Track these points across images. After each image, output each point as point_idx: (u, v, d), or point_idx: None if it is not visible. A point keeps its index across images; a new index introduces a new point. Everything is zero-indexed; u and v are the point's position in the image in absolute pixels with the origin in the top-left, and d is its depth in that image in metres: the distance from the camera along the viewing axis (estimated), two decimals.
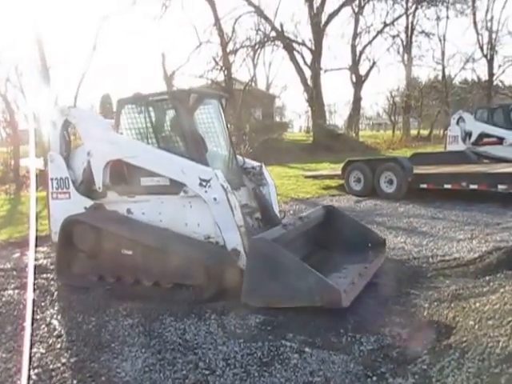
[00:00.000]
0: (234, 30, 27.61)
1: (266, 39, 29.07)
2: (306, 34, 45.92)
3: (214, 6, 27.09)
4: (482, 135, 15.19)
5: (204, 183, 5.12)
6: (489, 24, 36.12)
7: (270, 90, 43.42)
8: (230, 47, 27.67)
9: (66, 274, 5.81)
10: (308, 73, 28.16)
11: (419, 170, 11.59)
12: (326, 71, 29.60)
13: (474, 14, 34.94)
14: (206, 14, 28.81)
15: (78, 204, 5.98)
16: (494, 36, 36.30)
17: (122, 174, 5.79)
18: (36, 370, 3.66)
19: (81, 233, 5.65)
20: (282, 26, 27.76)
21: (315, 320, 4.27)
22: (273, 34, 28.30)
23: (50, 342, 4.19)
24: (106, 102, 38.59)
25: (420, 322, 4.09)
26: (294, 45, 28.38)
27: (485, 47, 36.36)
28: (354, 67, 30.70)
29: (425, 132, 37.14)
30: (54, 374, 3.59)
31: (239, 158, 6.34)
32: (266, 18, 27.84)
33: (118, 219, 5.74)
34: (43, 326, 4.58)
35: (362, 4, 29.40)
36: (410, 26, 33.90)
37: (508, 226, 7.86)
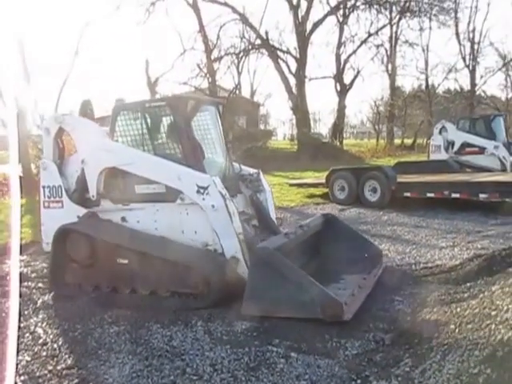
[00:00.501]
0: (218, 38, 27.78)
1: (250, 47, 29.25)
2: (290, 42, 46.46)
3: (199, 13, 27.23)
4: (464, 145, 15.49)
5: (202, 190, 5.10)
6: (471, 35, 37.08)
7: (254, 97, 43.55)
8: (214, 54, 27.81)
9: (59, 283, 5.70)
10: (293, 81, 28.40)
11: (403, 178, 11.77)
12: (310, 79, 29.87)
13: (457, 26, 35.79)
14: (191, 21, 28.99)
15: (71, 213, 5.88)
16: (475, 47, 37.21)
17: (116, 182, 5.74)
18: (22, 377, 3.66)
19: (76, 242, 5.57)
20: (266, 33, 27.97)
21: (301, 326, 4.32)
22: (258, 41, 28.48)
23: (36, 349, 4.18)
24: (87, 108, 38.42)
25: (403, 327, 4.18)
26: (279, 53, 28.59)
27: (467, 58, 37.24)
28: (339, 76, 31.02)
29: (408, 141, 37.64)
30: (40, 381, 3.60)
31: (235, 164, 6.31)
32: (251, 26, 28.00)
33: (113, 228, 5.68)
34: (27, 334, 4.55)
35: (347, 13, 29.77)
36: (393, 36, 34.53)
37: (489, 234, 8.04)
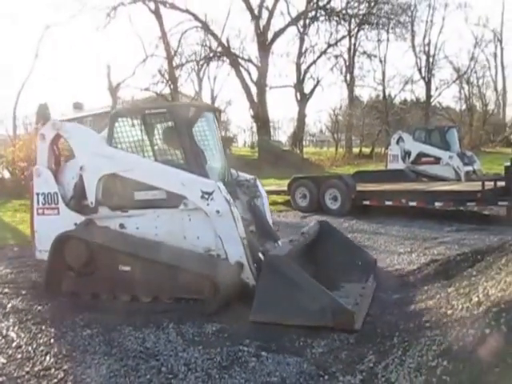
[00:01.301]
0: (179, 45, 27.85)
1: (212, 55, 29.46)
2: (252, 50, 46.91)
3: (161, 20, 27.22)
4: (420, 155, 16.18)
5: (206, 196, 5.12)
6: (426, 48, 38.71)
7: (215, 104, 43.65)
8: (176, 61, 27.85)
9: (55, 292, 5.59)
10: (254, 89, 28.74)
11: (362, 187, 12.17)
12: (271, 88, 30.31)
13: (413, 39, 37.32)
14: (153, 27, 28.93)
15: (67, 220, 5.79)
16: (431, 60, 38.86)
17: (115, 188, 5.69)
18: (0, 379, 3.70)
19: (77, 249, 5.49)
20: (228, 42, 28.24)
21: (269, 327, 4.51)
22: (219, 49, 28.69)
23: (10, 352, 4.21)
24: (44, 112, 37.42)
25: (366, 328, 4.44)
26: (241, 61, 28.90)
27: (423, 70, 38.86)
28: (299, 85, 31.60)
29: (366, 150, 38.69)
30: (19, 381, 3.66)
31: (232, 170, 6.35)
32: (213, 34, 28.20)
33: (116, 235, 5.62)
34: (0, 337, 4.57)
35: (307, 24, 30.41)
36: (352, 47, 35.49)
37: (444, 240, 8.50)
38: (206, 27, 28.00)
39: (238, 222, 5.11)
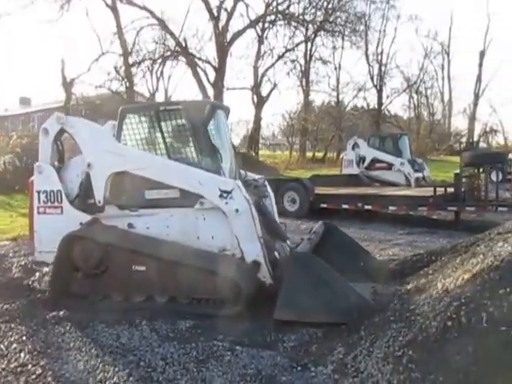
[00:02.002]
0: (135, 42, 27.49)
1: (169, 53, 29.22)
2: (210, 51, 46.80)
3: (118, 15, 26.76)
4: (374, 160, 16.85)
5: (225, 194, 5.07)
6: (379, 57, 40.06)
7: None
8: (133, 58, 27.49)
9: (63, 294, 5.41)
10: (211, 90, 28.75)
11: (319, 190, 12.54)
12: (228, 89, 30.42)
13: (366, 47, 38.49)
14: (110, 23, 28.38)
15: (72, 219, 5.56)
16: (383, 68, 40.28)
17: (123, 187, 5.53)
18: None
19: (87, 250, 5.31)
20: (185, 41, 28.09)
21: (240, 323, 4.68)
22: (177, 48, 28.48)
23: None
24: None
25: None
26: (198, 61, 28.84)
27: (375, 78, 40.09)
28: (256, 88, 31.92)
29: (319, 154, 39.53)
30: None
31: (241, 170, 6.29)
32: (171, 33, 27.99)
33: (127, 234, 5.47)
34: None
35: (266, 28, 30.78)
36: (308, 52, 36.23)
37: (398, 242, 8.97)
38: (163, 25, 27.72)
39: (256, 220, 5.10)
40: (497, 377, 3.00)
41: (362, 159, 17.07)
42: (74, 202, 5.68)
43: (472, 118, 47.71)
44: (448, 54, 47.25)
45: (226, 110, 6.28)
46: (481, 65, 46.98)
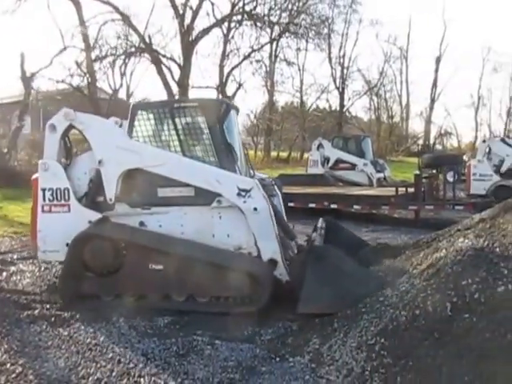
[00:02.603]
0: (97, 37, 26.96)
1: (134, 50, 28.82)
2: (175, 48, 46.50)
3: (80, 9, 26.14)
4: (338, 161, 17.29)
5: (243, 193, 5.08)
6: (341, 60, 40.85)
7: (130, 100, 42.42)
8: (95, 54, 26.95)
9: (72, 295, 5.31)
10: (176, 88, 28.56)
11: (286, 189, 12.73)
12: (193, 87, 30.28)
13: (329, 50, 39.18)
14: (72, 17, 27.66)
15: (80, 218, 5.42)
16: (345, 71, 41.11)
17: (135, 184, 5.44)
18: None
19: (102, 249, 5.24)
20: (150, 38, 27.76)
21: (217, 319, 4.83)
22: (141, 45, 28.12)
23: None
24: None
25: (305, 317, 4.84)
26: (162, 59, 28.58)
27: (337, 81, 40.86)
28: (222, 87, 31.91)
29: (284, 154, 39.97)
30: None
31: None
32: (135, 29, 27.62)
33: (144, 233, 5.39)
34: None
35: (232, 27, 30.84)
36: (273, 53, 36.57)
37: (364, 239, 9.19)
38: (127, 21, 27.27)
39: (273, 219, 5.14)
40: (461, 360, 3.26)
41: (326, 159, 17.46)
42: (81, 200, 5.58)
43: (428, 121, 49.52)
44: (406, 59, 48.73)
45: (237, 110, 6.28)
46: (437, 70, 48.76)
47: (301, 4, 30.19)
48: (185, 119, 5.57)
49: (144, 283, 5.16)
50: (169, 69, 28.25)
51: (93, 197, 5.58)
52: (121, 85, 32.92)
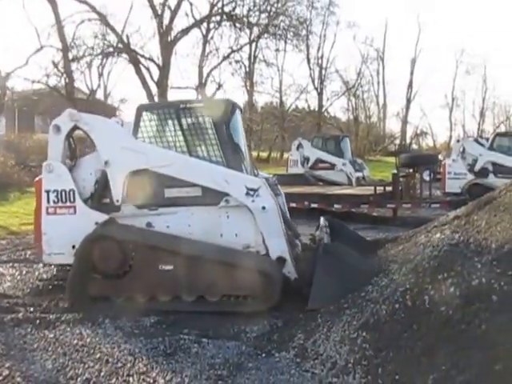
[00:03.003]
0: (74, 37, 26.72)
1: (112, 50, 28.61)
2: (153, 48, 46.12)
3: (56, 8, 25.77)
4: (318, 161, 17.48)
5: (251, 192, 5.13)
6: (319, 61, 41.25)
7: (107, 100, 42.04)
8: (72, 53, 26.67)
9: (81, 297, 5.28)
10: (155, 88, 28.42)
11: None
12: (172, 88, 30.19)
13: (308, 51, 39.54)
14: (48, 16, 27.29)
15: (86, 219, 5.38)
16: (323, 72, 41.51)
17: (141, 185, 5.40)
18: None
19: (112, 250, 5.21)
20: (128, 38, 27.58)
21: (203, 317, 4.92)
22: (119, 45, 27.93)
23: None
24: None
25: (291, 314, 4.95)
26: (141, 59, 28.42)
27: (316, 81, 41.25)
28: (201, 88, 31.90)
29: (264, 154, 40.14)
30: None
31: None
32: (113, 29, 27.41)
33: (154, 233, 5.39)
34: None
35: (211, 28, 30.86)
36: (252, 54, 36.73)
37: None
38: (104, 20, 27.06)
39: (281, 217, 5.23)
40: (438, 350, 3.42)
41: (306, 159, 17.63)
42: (87, 202, 5.56)
43: (404, 122, 50.37)
44: (383, 60, 49.37)
45: (240, 109, 6.31)
46: (412, 72, 49.70)
47: (279, 5, 30.44)
48: (191, 120, 5.61)
49: (154, 284, 5.19)
50: (147, 69, 28.10)
51: (99, 198, 5.56)
52: (98, 85, 32.70)
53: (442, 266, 4.04)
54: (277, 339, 4.40)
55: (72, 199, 5.48)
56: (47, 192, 5.51)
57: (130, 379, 3.77)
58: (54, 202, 5.50)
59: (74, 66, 27.30)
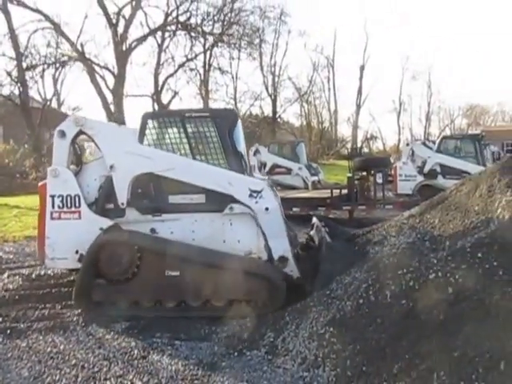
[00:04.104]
0: (28, 45, 26.07)
1: (67, 58, 28.09)
2: (109, 57, 45.23)
3: (9, 16, 25.13)
4: (275, 166, 17.83)
5: (255, 194, 5.27)
6: (272, 69, 41.94)
7: (61, 108, 41.15)
8: (27, 62, 25.99)
9: (86, 301, 5.32)
10: (110, 96, 28.06)
11: None
12: (127, 96, 29.88)
13: (261, 59, 40.10)
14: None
15: (91, 225, 5.40)
16: (276, 79, 42.22)
17: (145, 192, 5.52)
18: None
19: (122, 255, 5.26)
20: (82, 47, 27.21)
21: (173, 321, 5.05)
22: (74, 54, 27.48)
23: None
24: None
25: (258, 313, 5.16)
26: (96, 68, 28.05)
27: (269, 88, 41.90)
28: (157, 95, 31.71)
29: None
30: None
31: None
32: (68, 39, 26.94)
33: (161, 239, 5.42)
34: None
35: (166, 37, 30.78)
36: (207, 62, 36.83)
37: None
38: (58, 29, 26.55)
39: (283, 217, 5.40)
40: (401, 341, 3.69)
41: (263, 165, 17.92)
42: (91, 207, 5.56)
43: (355, 126, 51.93)
44: (333, 68, 50.76)
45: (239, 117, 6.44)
46: (361, 78, 51.37)
47: (233, 15, 30.80)
48: (196, 129, 5.71)
49: (159, 290, 5.28)
50: (103, 78, 27.79)
51: (103, 204, 5.58)
52: (54, 94, 31.95)
53: (400, 263, 4.33)
54: (247, 338, 4.57)
55: (77, 204, 5.50)
56: (52, 197, 5.51)
57: (108, 383, 3.86)
58: (58, 206, 5.50)
59: (28, 74, 26.64)
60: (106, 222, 5.44)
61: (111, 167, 5.43)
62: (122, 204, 5.44)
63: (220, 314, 5.09)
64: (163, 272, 5.22)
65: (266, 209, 5.29)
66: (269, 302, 5.13)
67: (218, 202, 5.38)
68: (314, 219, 7.25)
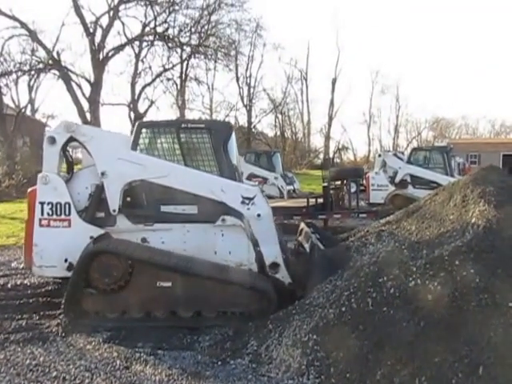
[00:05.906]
0: (2, 52, 25.67)
1: (43, 66, 27.70)
2: (85, 65, 44.73)
3: None
4: (251, 175, 17.87)
5: (247, 201, 5.28)
6: (248, 80, 42.44)
7: (35, 116, 40.51)
8: (1, 69, 25.58)
9: (76, 311, 5.19)
10: (86, 104, 27.79)
11: None
12: (103, 105, 29.61)
13: (237, 70, 40.51)
14: None
15: (81, 233, 5.32)
16: (251, 90, 42.74)
17: (137, 201, 5.47)
18: None
19: (112, 264, 5.15)
20: (58, 54, 26.89)
21: (155, 330, 5.02)
22: (49, 61, 27.12)
23: None
24: None
25: (239, 323, 5.17)
26: (73, 76, 27.75)
27: (245, 99, 42.36)
28: (134, 104, 31.52)
29: None
30: None
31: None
32: (44, 47, 26.58)
33: (153, 249, 5.37)
34: None
35: (144, 46, 30.75)
36: (184, 72, 36.90)
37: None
38: (34, 37, 26.20)
39: (274, 224, 5.45)
40: (383, 347, 3.78)
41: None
42: (81, 215, 5.46)
43: (327, 137, 52.80)
44: (306, 80, 51.79)
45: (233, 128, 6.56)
46: (333, 91, 52.34)
47: (210, 27, 31.10)
48: (191, 140, 5.72)
49: (150, 300, 5.22)
50: (79, 86, 27.54)
51: (93, 212, 5.51)
52: (29, 101, 31.44)
53: (381, 271, 4.43)
54: (230, 347, 4.58)
55: (67, 212, 5.41)
56: (41, 204, 5.41)
57: None
58: (48, 214, 5.40)
59: (1, 81, 26.24)
60: (97, 231, 5.38)
61: (103, 174, 5.37)
62: (114, 211, 5.39)
63: (211, 324, 5.10)
64: (155, 282, 5.17)
65: (258, 215, 5.31)
66: (260, 315, 5.08)
67: (210, 212, 5.38)
68: (302, 225, 7.32)
